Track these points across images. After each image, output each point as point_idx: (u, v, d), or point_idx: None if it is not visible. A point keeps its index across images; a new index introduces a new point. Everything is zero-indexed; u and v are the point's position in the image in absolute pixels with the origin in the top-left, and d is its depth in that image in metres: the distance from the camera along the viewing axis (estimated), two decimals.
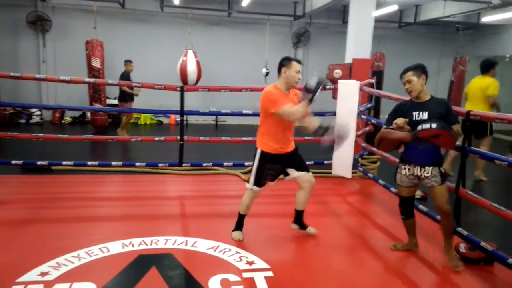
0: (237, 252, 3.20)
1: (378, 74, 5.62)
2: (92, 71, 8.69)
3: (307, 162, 3.67)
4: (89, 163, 5.01)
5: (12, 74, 4.70)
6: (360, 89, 5.15)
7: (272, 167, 3.35)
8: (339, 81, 5.42)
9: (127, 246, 3.22)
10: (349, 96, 5.12)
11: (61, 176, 5.17)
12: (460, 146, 3.28)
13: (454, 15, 8.77)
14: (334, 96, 5.68)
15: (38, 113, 9.61)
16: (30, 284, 2.64)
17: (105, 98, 9.10)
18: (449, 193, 3.15)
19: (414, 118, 3.03)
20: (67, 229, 3.57)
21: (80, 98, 9.19)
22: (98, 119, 9.04)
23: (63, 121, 9.79)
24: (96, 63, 8.68)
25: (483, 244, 3.08)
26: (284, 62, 3.26)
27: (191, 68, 8.87)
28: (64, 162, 4.98)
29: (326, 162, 5.50)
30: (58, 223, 3.74)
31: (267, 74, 9.72)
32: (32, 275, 2.74)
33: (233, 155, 5.96)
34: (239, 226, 3.53)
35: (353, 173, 5.44)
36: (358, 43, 6.10)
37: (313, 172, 3.53)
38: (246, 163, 5.50)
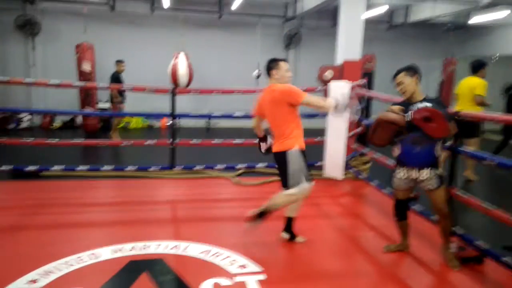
0: (229, 256, 3.18)
1: (369, 75, 5.63)
2: (83, 75, 8.62)
3: None
4: (78, 168, 4.96)
5: (0, 78, 4.65)
6: (351, 90, 5.15)
7: (305, 160, 3.27)
8: (331, 82, 5.43)
9: (117, 252, 3.19)
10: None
11: (51, 181, 5.11)
12: (450, 146, 3.29)
13: (444, 16, 8.84)
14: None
15: (28, 117, 9.50)
16: None
17: (96, 102, 9.03)
18: None
19: (408, 118, 3.01)
20: (56, 236, 3.52)
21: (71, 102, 9.11)
22: (89, 124, 8.97)
23: (53, 126, 9.70)
24: (86, 66, 8.61)
25: (478, 243, 3.10)
26: (272, 65, 3.29)
27: (182, 71, 8.83)
28: (53, 168, 4.93)
29: (317, 163, 5.51)
30: (47, 229, 3.69)
31: (258, 76, 9.71)
32: (20, 283, 2.70)
33: (225, 158, 5.94)
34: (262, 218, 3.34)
35: (344, 174, 5.45)
36: (349, 44, 6.12)
37: None
38: (238, 166, 5.48)
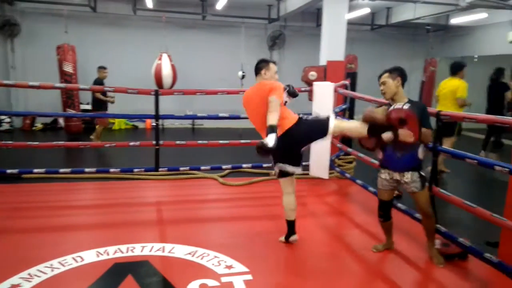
0: (215, 257, 3.17)
1: (352, 76, 5.69)
2: (64, 76, 8.49)
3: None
4: (61, 170, 4.88)
5: None
6: (335, 91, 5.21)
7: None
8: (314, 83, 5.47)
9: (102, 254, 3.15)
10: (324, 97, 5.18)
11: (32, 184, 5.01)
12: (432, 146, 3.35)
13: (424, 17, 8.99)
14: (310, 98, 5.73)
15: (8, 120, 9.30)
16: None
17: (79, 103, 8.90)
18: None
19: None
20: (39, 239, 3.46)
21: (52, 104, 8.95)
22: (72, 125, 8.82)
23: (34, 128, 9.52)
24: (68, 68, 8.48)
25: (461, 240, 3.16)
26: (263, 65, 3.31)
27: (166, 72, 8.79)
28: (35, 170, 4.84)
29: (303, 163, 5.52)
30: (29, 233, 3.62)
31: (243, 77, 9.71)
32: (2, 287, 2.64)
33: (210, 159, 5.93)
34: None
35: (330, 173, 5.50)
36: (332, 45, 6.19)
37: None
38: (224, 166, 5.47)
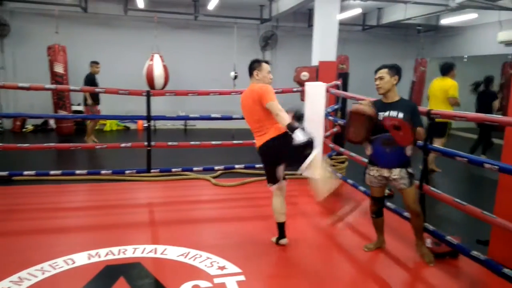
0: (208, 258, 3.17)
1: (344, 76, 5.72)
2: (55, 77, 8.42)
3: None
4: (51, 172, 4.83)
5: None
6: (327, 91, 5.23)
7: None
8: (306, 83, 5.48)
9: (93, 257, 3.13)
10: (316, 98, 5.20)
11: (22, 187, 4.96)
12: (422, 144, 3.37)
13: (415, 18, 9.06)
14: (302, 98, 5.74)
15: None
16: None
17: (70, 104, 8.83)
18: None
19: (381, 119, 3.07)
20: (30, 242, 3.42)
21: (43, 105, 8.87)
22: (63, 127, 8.74)
23: (24, 130, 9.42)
24: (59, 69, 8.41)
25: (448, 238, 3.18)
26: (255, 65, 3.30)
27: (158, 73, 8.75)
28: (25, 172, 4.79)
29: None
30: (20, 235, 3.58)
31: (235, 77, 9.71)
32: None
33: (203, 160, 5.91)
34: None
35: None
36: (324, 45, 6.21)
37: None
38: (216, 167, 5.46)
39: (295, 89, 5.74)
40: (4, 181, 4.98)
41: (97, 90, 5.48)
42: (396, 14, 9.52)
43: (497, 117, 2.91)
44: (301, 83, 5.82)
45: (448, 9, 7.79)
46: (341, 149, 5.25)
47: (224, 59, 10.23)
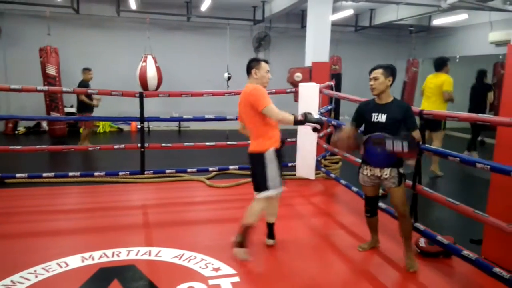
0: (202, 259, 3.16)
1: (337, 77, 5.74)
2: (48, 79, 8.36)
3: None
4: (44, 174, 4.80)
5: None
6: (320, 92, 5.25)
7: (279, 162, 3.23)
8: (300, 84, 5.50)
9: (87, 259, 3.11)
10: (309, 98, 5.21)
11: (15, 189, 4.92)
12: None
13: (407, 18, 9.12)
14: (296, 99, 5.76)
15: None
16: None
17: (63, 106, 8.78)
18: (407, 190, 3.24)
19: (373, 119, 3.08)
20: (22, 245, 3.39)
21: (35, 107, 8.82)
22: (56, 129, 8.68)
23: (16, 132, 9.35)
24: (51, 71, 8.35)
25: (439, 238, 3.20)
26: (253, 64, 3.26)
27: (151, 74, 8.73)
28: (17, 175, 4.75)
29: (290, 164, 5.56)
30: (12, 239, 3.55)
31: (229, 78, 9.71)
32: None
33: (197, 161, 5.90)
34: (245, 242, 3.24)
35: (316, 174, 5.53)
36: (317, 46, 6.22)
37: None
38: (210, 168, 5.46)
39: (288, 90, 5.76)
40: None
41: (90, 91, 5.45)
42: (388, 15, 9.57)
43: (488, 117, 2.94)
44: (294, 84, 5.84)
45: (440, 10, 7.85)
46: (335, 150, 5.27)
47: (217, 60, 10.23)
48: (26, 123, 9.55)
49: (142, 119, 5.01)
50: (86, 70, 7.47)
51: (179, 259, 3.17)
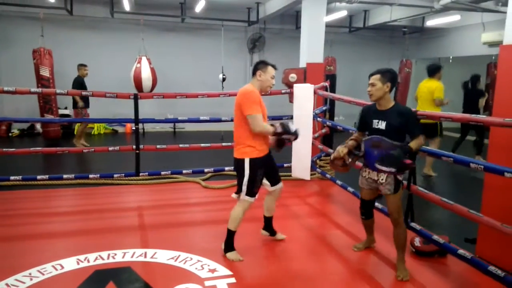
0: (198, 261, 3.16)
1: (332, 78, 5.76)
2: (41, 81, 8.30)
3: None
4: (38, 177, 4.77)
5: None
6: (315, 93, 5.26)
7: (261, 172, 3.21)
8: (294, 85, 5.51)
9: (82, 262, 3.09)
10: (304, 99, 5.22)
11: (9, 192, 4.89)
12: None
13: (400, 20, 9.17)
14: (291, 100, 5.76)
15: None
16: None
17: (57, 108, 8.72)
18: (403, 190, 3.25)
19: (373, 126, 3.01)
20: (17, 248, 3.37)
21: (29, 109, 8.76)
22: (50, 131, 8.62)
23: (10, 134, 9.28)
24: (45, 72, 8.30)
25: (435, 237, 3.22)
26: (260, 66, 3.24)
27: (146, 75, 8.71)
28: (11, 177, 4.72)
29: (285, 165, 5.56)
30: (7, 241, 3.53)
31: (223, 79, 9.71)
32: None
33: (192, 162, 5.89)
34: (231, 245, 3.26)
35: (311, 174, 5.54)
36: (311, 47, 6.24)
37: None
38: (206, 170, 5.45)
39: (283, 91, 5.77)
40: None
41: (84, 93, 5.41)
42: (382, 16, 9.62)
43: (481, 117, 2.96)
44: (289, 85, 5.85)
45: (433, 11, 7.91)
46: (330, 150, 5.28)
47: (212, 61, 10.22)
48: (20, 125, 9.49)
49: (136, 120, 4.99)
50: (81, 65, 7.51)
51: (175, 260, 3.16)
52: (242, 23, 10.33)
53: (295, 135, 3.24)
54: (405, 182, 3.44)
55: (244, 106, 3.09)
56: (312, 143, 5.37)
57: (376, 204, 3.87)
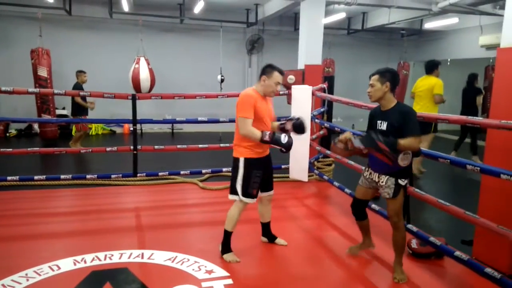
0: (195, 262, 3.16)
1: (330, 79, 5.77)
2: (39, 81, 8.29)
3: None
4: (35, 177, 4.76)
5: None
6: (313, 94, 5.27)
7: (258, 173, 3.17)
8: (293, 86, 5.51)
9: (79, 262, 3.09)
10: (302, 101, 5.23)
11: (6, 192, 4.87)
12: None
13: (399, 22, 9.20)
14: (289, 101, 5.77)
15: None
16: None
17: (54, 108, 8.71)
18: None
19: (378, 127, 2.98)
20: (13, 248, 3.36)
21: (27, 109, 8.75)
22: (48, 131, 8.61)
23: (8, 134, 9.26)
24: (42, 72, 8.29)
25: (432, 239, 3.22)
26: (267, 70, 3.16)
27: (144, 76, 8.70)
28: (9, 178, 4.70)
29: (283, 166, 5.57)
30: (3, 242, 3.51)
31: (222, 81, 9.71)
32: None
33: (190, 163, 5.88)
34: (228, 247, 3.25)
35: (309, 176, 5.54)
36: (310, 49, 6.26)
37: None
38: (203, 171, 5.45)
39: (281, 92, 5.77)
40: None
41: (81, 93, 5.40)
42: (380, 18, 9.65)
43: (478, 119, 2.97)
44: (287, 86, 5.85)
45: (431, 14, 7.94)
46: (328, 152, 5.29)
47: (211, 62, 10.22)
48: (17, 125, 9.47)
49: (134, 121, 4.99)
50: (80, 72, 7.39)
51: (172, 261, 3.16)
52: (241, 25, 10.34)
53: (286, 147, 3.14)
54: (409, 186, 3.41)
55: (237, 108, 3.11)
56: (310, 145, 5.38)
57: (374, 206, 3.89)
